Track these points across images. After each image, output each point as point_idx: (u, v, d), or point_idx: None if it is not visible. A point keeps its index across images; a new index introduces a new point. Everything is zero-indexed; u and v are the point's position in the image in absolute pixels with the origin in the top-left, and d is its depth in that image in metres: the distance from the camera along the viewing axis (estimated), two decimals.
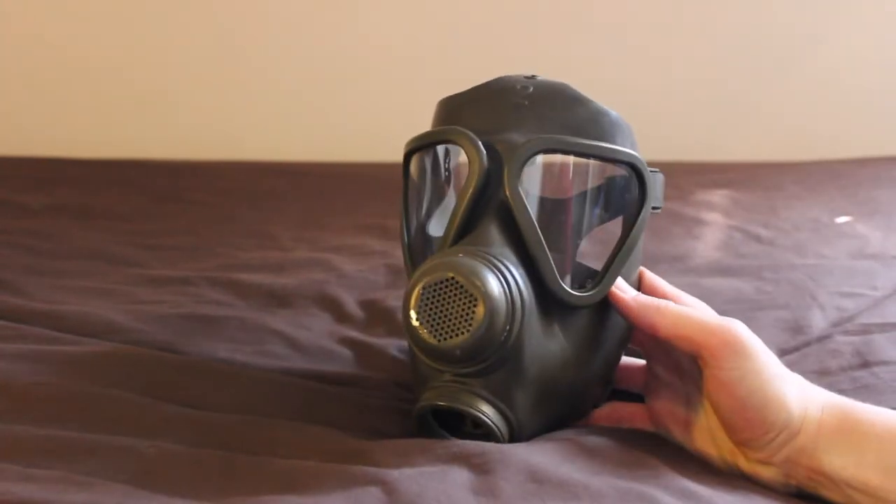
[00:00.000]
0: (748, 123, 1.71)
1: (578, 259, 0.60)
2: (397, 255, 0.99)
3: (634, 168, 0.56)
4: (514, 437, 0.52)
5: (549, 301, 0.53)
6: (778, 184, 1.41)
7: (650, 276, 0.60)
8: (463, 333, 0.48)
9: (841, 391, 0.58)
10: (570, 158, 0.56)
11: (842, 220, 1.20)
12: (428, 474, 0.47)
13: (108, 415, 0.56)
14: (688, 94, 1.69)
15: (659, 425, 0.59)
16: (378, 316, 0.82)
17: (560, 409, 0.55)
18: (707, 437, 0.55)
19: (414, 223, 0.60)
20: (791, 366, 0.58)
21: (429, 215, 0.61)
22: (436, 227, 0.60)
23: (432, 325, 0.48)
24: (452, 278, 0.48)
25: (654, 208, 0.58)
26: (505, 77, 0.58)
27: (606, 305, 0.56)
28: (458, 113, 0.57)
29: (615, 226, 0.58)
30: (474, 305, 0.48)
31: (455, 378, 0.51)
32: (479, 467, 0.48)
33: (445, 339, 0.48)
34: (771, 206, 1.27)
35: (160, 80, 1.61)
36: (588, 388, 0.57)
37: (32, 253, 0.99)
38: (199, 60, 1.61)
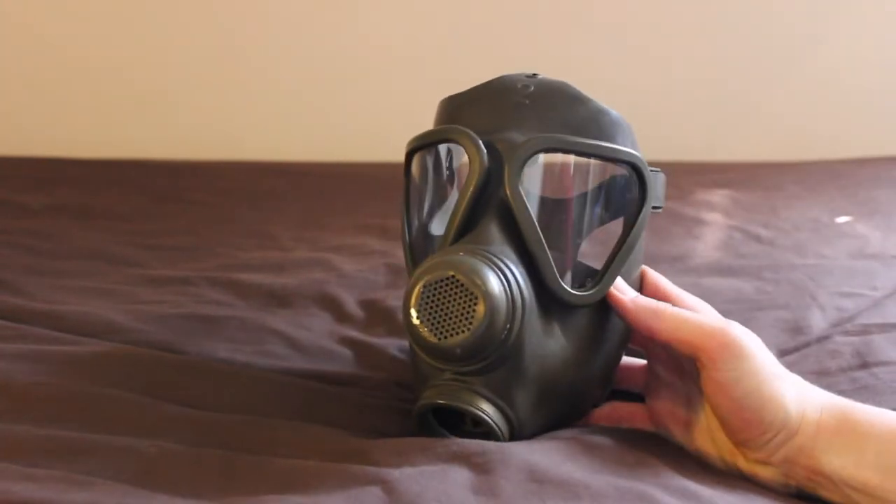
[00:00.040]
0: (748, 123, 1.71)
1: (579, 258, 0.60)
2: (397, 255, 0.99)
3: (635, 167, 0.56)
4: (515, 435, 0.52)
5: (549, 300, 0.53)
6: (778, 184, 1.41)
7: (652, 275, 0.60)
8: (463, 332, 0.48)
9: (840, 392, 0.58)
10: (571, 157, 0.56)
11: (842, 220, 1.20)
12: (428, 474, 0.47)
13: (108, 415, 0.56)
14: (688, 94, 1.69)
15: (659, 425, 0.59)
16: (378, 316, 0.82)
17: (560, 408, 0.55)
18: (707, 437, 0.55)
19: (415, 222, 0.60)
20: (791, 366, 0.58)
21: (430, 214, 0.61)
22: (437, 226, 0.60)
23: (433, 324, 0.48)
24: (453, 276, 0.48)
25: (655, 207, 0.58)
26: (506, 76, 0.58)
27: (607, 305, 0.56)
28: (460, 112, 0.58)
29: (616, 225, 0.58)
30: (475, 304, 0.48)
31: (455, 376, 0.51)
32: (480, 467, 0.48)
33: (446, 337, 0.48)
34: (771, 206, 1.27)
35: (160, 80, 1.61)
36: (588, 388, 0.57)
37: (32, 253, 0.99)
38: (199, 60, 1.61)
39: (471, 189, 0.53)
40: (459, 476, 0.47)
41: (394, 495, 0.45)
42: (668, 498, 0.47)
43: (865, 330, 0.78)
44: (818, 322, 0.81)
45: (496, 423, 0.51)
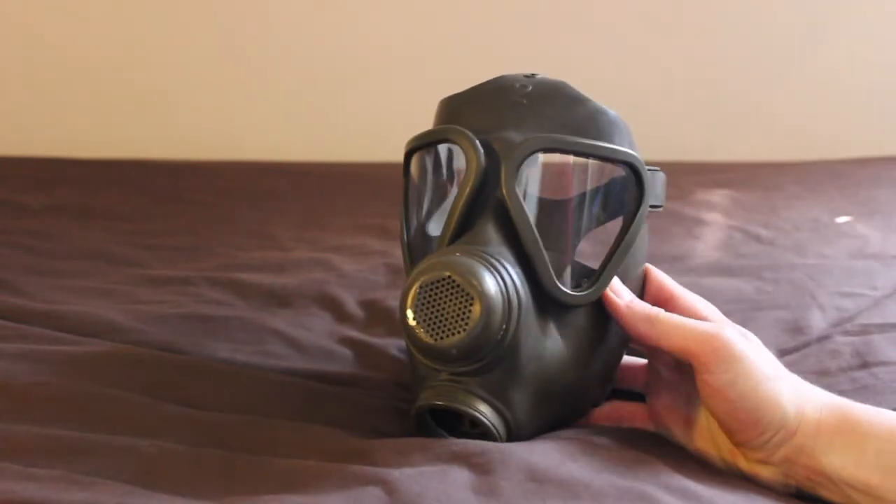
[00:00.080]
0: (748, 123, 1.71)
1: (578, 258, 0.60)
2: (397, 255, 0.98)
3: (632, 167, 0.56)
4: (512, 436, 0.52)
5: (545, 300, 0.53)
6: (778, 184, 1.41)
7: (656, 274, 0.60)
8: (459, 332, 0.48)
9: (840, 392, 0.58)
10: (568, 157, 0.56)
11: (842, 220, 1.20)
12: (428, 474, 0.47)
13: (108, 415, 0.56)
14: (688, 94, 1.70)
15: (659, 425, 0.59)
16: (378, 316, 0.82)
17: (559, 409, 0.55)
18: (707, 436, 0.55)
19: (414, 223, 0.60)
20: (790, 366, 0.58)
21: (428, 215, 0.61)
22: (435, 227, 0.60)
23: (429, 324, 0.48)
24: (449, 277, 0.48)
25: (655, 206, 0.58)
26: (505, 76, 0.58)
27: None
28: (458, 112, 0.58)
29: (615, 225, 0.58)
30: (470, 304, 0.48)
31: (452, 377, 0.51)
32: (480, 467, 0.48)
33: (442, 338, 0.48)
34: (771, 206, 1.27)
35: (160, 80, 1.61)
36: (588, 388, 0.57)
37: (32, 253, 0.99)
38: (199, 60, 1.62)
39: (467, 189, 0.53)
40: (459, 476, 0.47)
41: (394, 495, 0.45)
42: (668, 498, 0.47)
43: (865, 330, 0.78)
44: (818, 322, 0.81)
45: (493, 424, 0.51)
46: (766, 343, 0.57)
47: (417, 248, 0.60)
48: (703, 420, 0.56)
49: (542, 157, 0.56)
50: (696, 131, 1.67)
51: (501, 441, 0.51)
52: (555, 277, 0.53)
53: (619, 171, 0.57)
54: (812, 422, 0.51)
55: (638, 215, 0.56)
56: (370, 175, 1.41)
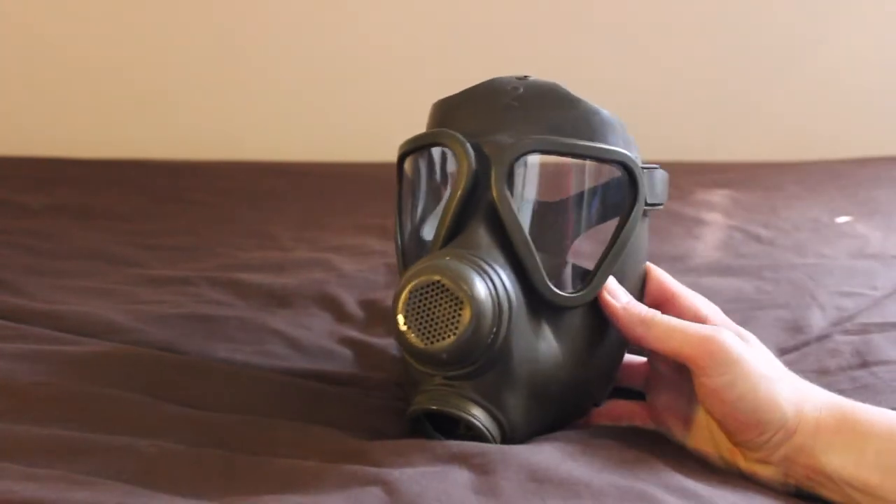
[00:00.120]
0: (748, 123, 1.72)
1: (574, 260, 0.60)
2: None
3: (625, 166, 0.56)
4: (507, 439, 0.52)
5: (538, 302, 0.53)
6: (778, 184, 1.41)
7: (656, 273, 0.60)
8: (449, 336, 0.48)
9: (840, 391, 0.58)
10: (559, 159, 0.56)
11: (842, 220, 1.20)
12: (428, 474, 0.47)
13: (108, 415, 0.56)
14: (688, 94, 1.70)
15: (659, 423, 0.59)
16: (378, 316, 0.82)
17: (556, 410, 0.55)
18: (706, 435, 0.55)
19: (408, 226, 0.60)
20: (790, 365, 0.58)
21: (422, 218, 0.61)
22: (429, 230, 0.60)
23: (419, 328, 0.48)
24: (438, 281, 0.48)
25: (654, 205, 0.58)
26: (497, 78, 0.58)
27: None
28: (450, 115, 0.57)
29: (613, 225, 0.58)
30: (460, 309, 0.48)
31: (446, 381, 0.51)
32: (480, 467, 0.48)
33: (432, 342, 0.48)
34: (771, 206, 1.27)
35: (160, 80, 1.61)
36: (587, 388, 0.57)
37: (32, 253, 0.99)
38: (199, 60, 1.62)
39: (459, 192, 0.53)
40: (460, 476, 0.47)
41: (394, 495, 0.45)
42: (668, 497, 0.47)
43: (865, 329, 0.78)
44: (818, 321, 0.81)
45: (486, 428, 0.51)
46: (766, 342, 0.57)
47: (411, 251, 0.60)
48: (703, 419, 0.56)
49: (533, 159, 0.56)
50: (696, 131, 1.67)
51: (496, 444, 0.51)
52: (547, 279, 0.53)
53: (613, 171, 0.57)
54: (811, 421, 0.51)
55: (632, 215, 0.56)
56: (370, 175, 1.41)
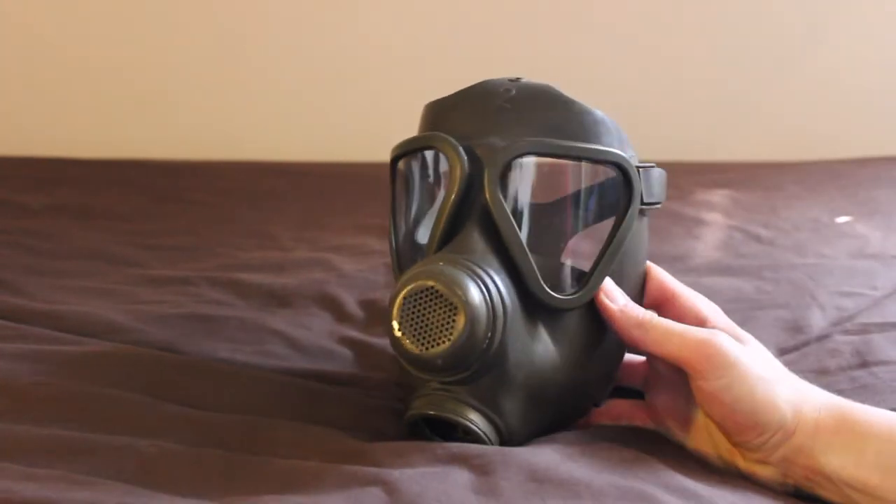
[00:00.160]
0: (748, 123, 1.71)
1: (571, 261, 0.60)
2: None
3: (619, 167, 0.55)
4: (504, 443, 0.52)
5: (534, 305, 0.53)
6: (778, 184, 1.41)
7: (657, 272, 0.60)
8: (444, 342, 0.48)
9: (840, 391, 0.58)
10: (553, 161, 0.55)
11: (842, 220, 1.20)
12: (429, 474, 0.47)
13: (108, 415, 0.56)
14: (688, 94, 1.70)
15: (658, 423, 0.59)
16: (378, 316, 0.82)
17: (554, 412, 0.55)
18: (705, 435, 0.55)
19: (402, 230, 0.60)
20: (790, 365, 0.58)
21: (416, 222, 0.60)
22: (423, 234, 0.60)
23: (414, 334, 0.48)
24: (432, 287, 0.48)
25: (652, 204, 0.57)
26: (489, 80, 0.57)
27: None
28: (442, 117, 0.57)
29: (609, 225, 0.58)
30: (454, 314, 0.48)
31: (442, 386, 0.51)
32: (480, 468, 0.48)
33: (427, 348, 0.48)
34: (771, 206, 1.27)
35: (160, 80, 1.61)
36: (586, 389, 0.57)
37: (32, 253, 0.99)
38: (199, 60, 1.62)
39: (452, 196, 0.53)
40: (460, 477, 0.47)
41: (394, 496, 0.45)
42: (668, 497, 0.47)
43: (865, 329, 0.78)
44: (818, 321, 0.81)
45: (484, 432, 0.51)
46: (766, 342, 0.57)
47: (406, 255, 0.60)
48: (701, 419, 0.56)
49: (527, 161, 0.55)
50: (696, 131, 1.67)
51: None
52: (542, 282, 0.52)
53: (608, 172, 0.56)
54: (810, 422, 0.51)
55: (628, 215, 0.55)
56: (370, 175, 1.41)
